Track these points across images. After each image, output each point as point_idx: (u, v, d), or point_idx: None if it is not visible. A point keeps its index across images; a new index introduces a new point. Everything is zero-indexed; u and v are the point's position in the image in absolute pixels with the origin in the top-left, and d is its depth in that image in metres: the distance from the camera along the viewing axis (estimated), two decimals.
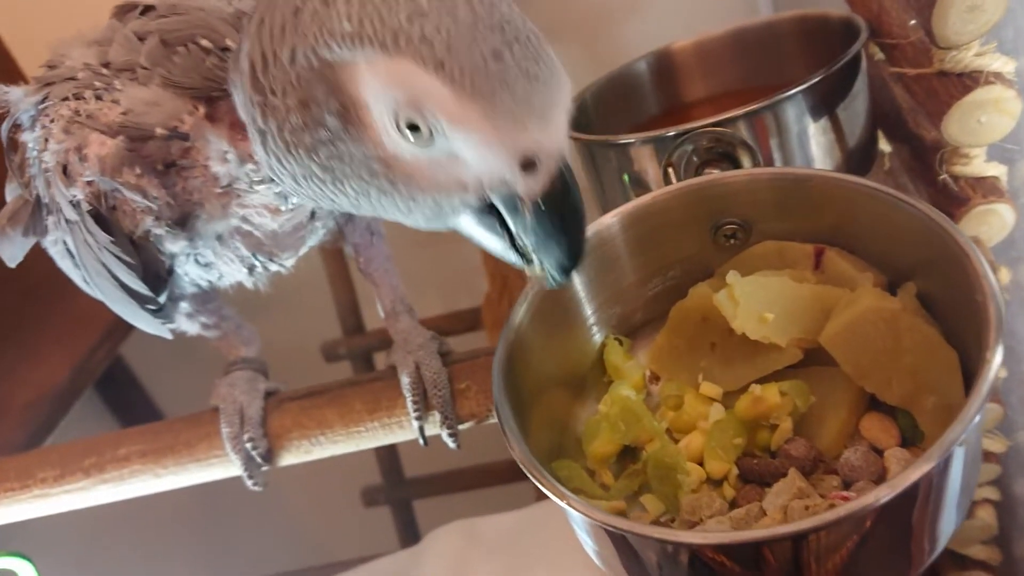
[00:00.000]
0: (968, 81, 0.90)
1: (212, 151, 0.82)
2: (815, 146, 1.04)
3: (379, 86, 0.63)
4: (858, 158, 1.10)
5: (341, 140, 0.67)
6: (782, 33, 1.25)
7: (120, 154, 0.81)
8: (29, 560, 1.27)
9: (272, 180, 0.81)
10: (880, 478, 0.72)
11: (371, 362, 2.42)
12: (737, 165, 0.99)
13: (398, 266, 1.13)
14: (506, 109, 0.61)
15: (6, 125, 0.91)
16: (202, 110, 0.80)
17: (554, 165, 0.66)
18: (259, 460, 1.04)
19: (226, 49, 0.80)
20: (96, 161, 0.81)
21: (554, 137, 0.65)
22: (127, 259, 0.85)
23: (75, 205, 0.84)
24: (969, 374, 0.70)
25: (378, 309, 1.12)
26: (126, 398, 2.50)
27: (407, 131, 0.64)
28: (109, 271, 0.86)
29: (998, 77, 0.89)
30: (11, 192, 0.99)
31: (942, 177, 0.99)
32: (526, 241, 0.70)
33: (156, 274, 0.89)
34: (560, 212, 0.68)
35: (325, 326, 2.42)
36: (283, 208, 0.87)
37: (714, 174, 0.91)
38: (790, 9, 1.31)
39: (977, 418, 0.60)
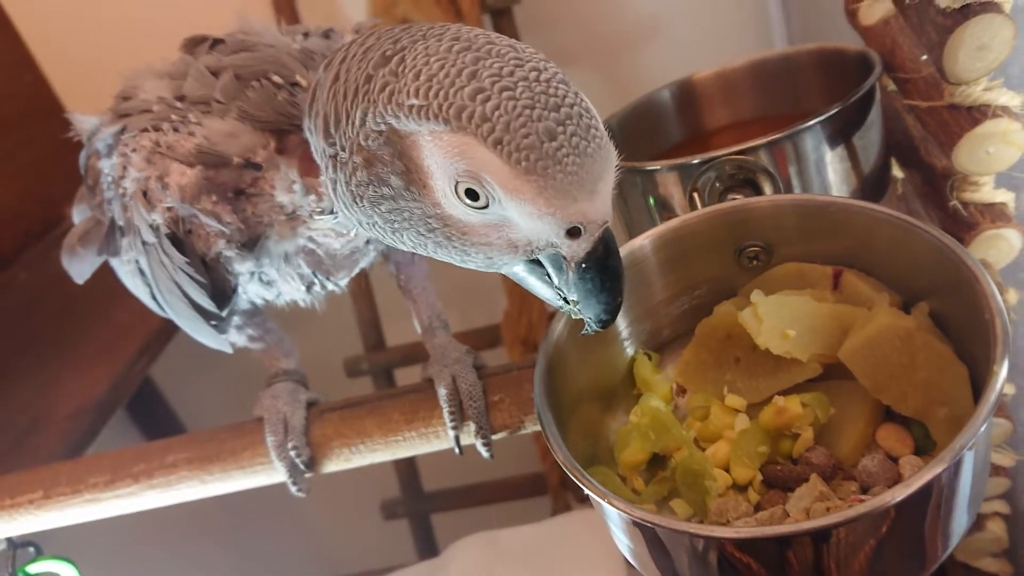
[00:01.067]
0: (977, 114, 0.95)
1: (280, 181, 0.88)
2: (832, 173, 1.10)
3: (441, 156, 0.68)
4: (873, 184, 1.15)
5: (403, 198, 0.73)
6: (800, 65, 1.31)
7: (199, 183, 0.87)
8: (73, 564, 1.32)
9: (327, 212, 0.88)
10: (895, 484, 0.76)
11: (392, 378, 2.46)
12: (758, 191, 1.04)
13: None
14: (557, 185, 0.66)
15: (84, 153, 0.98)
16: (273, 143, 0.87)
17: (598, 232, 0.71)
18: (302, 467, 1.09)
19: (296, 84, 0.86)
20: (177, 189, 0.88)
21: (599, 207, 0.70)
22: (199, 278, 0.91)
23: (154, 228, 0.90)
24: (978, 388, 0.75)
25: (415, 325, 1.17)
26: (153, 414, 2.55)
27: (465, 197, 0.70)
28: (181, 289, 0.93)
29: (1005, 111, 0.94)
30: (80, 214, 1.06)
31: (952, 203, 1.04)
32: (569, 295, 0.76)
33: (223, 292, 0.95)
34: (601, 274, 0.73)
35: (347, 342, 2.46)
36: (350, 231, 0.93)
37: (739, 200, 0.97)
38: (804, 42, 1.37)
39: (985, 426, 0.65)
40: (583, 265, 0.72)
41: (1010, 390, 1.19)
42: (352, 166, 0.75)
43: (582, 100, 0.69)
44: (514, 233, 0.72)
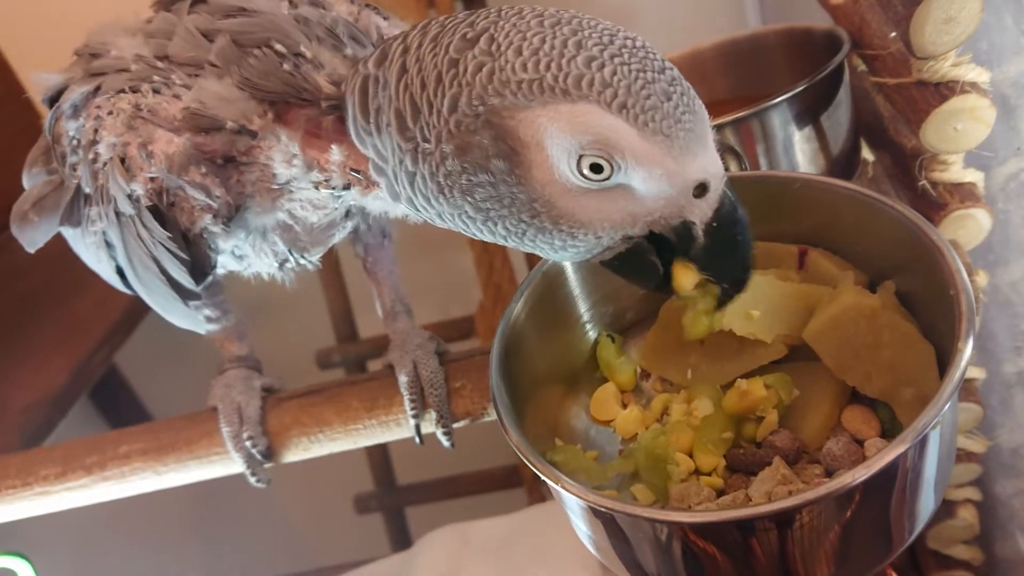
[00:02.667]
0: (945, 90, 0.94)
1: (278, 152, 0.84)
2: (800, 153, 1.08)
3: (560, 128, 0.66)
4: (842, 165, 1.14)
5: (505, 183, 0.70)
6: (769, 45, 1.29)
7: (187, 152, 0.83)
8: (27, 560, 1.28)
9: (337, 188, 0.85)
10: None
11: (365, 369, 2.45)
12: (725, 169, 1.02)
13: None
14: (682, 143, 0.66)
15: (52, 114, 0.93)
16: (270, 113, 0.82)
17: (721, 185, 0.71)
18: (260, 458, 1.06)
19: (299, 55, 0.82)
20: (164, 158, 0.83)
21: (716, 160, 0.70)
22: (180, 254, 0.87)
23: (133, 200, 0.85)
24: (945, 368, 0.73)
25: (377, 309, 1.14)
26: (118, 404, 2.51)
27: (586, 171, 0.68)
28: (159, 265, 0.88)
29: (973, 86, 0.93)
30: (31, 178, 1.00)
31: (921, 183, 1.03)
32: (701, 263, 0.74)
33: (202, 269, 0.91)
34: (734, 227, 0.72)
35: (319, 334, 2.45)
36: (330, 204, 0.90)
37: None
38: (777, 22, 1.36)
39: (950, 404, 0.63)
40: (714, 224, 0.71)
41: (980, 375, 1.18)
42: (440, 155, 0.72)
43: (671, 64, 0.69)
44: (634, 203, 0.70)
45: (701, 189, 0.70)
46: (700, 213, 0.71)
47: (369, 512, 2.52)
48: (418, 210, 0.80)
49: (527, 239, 0.75)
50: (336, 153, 0.82)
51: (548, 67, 0.66)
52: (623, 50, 0.67)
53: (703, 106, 0.69)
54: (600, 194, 0.70)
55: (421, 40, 0.73)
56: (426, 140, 0.72)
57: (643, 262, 0.75)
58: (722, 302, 0.76)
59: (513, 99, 0.67)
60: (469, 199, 0.73)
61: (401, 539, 2.53)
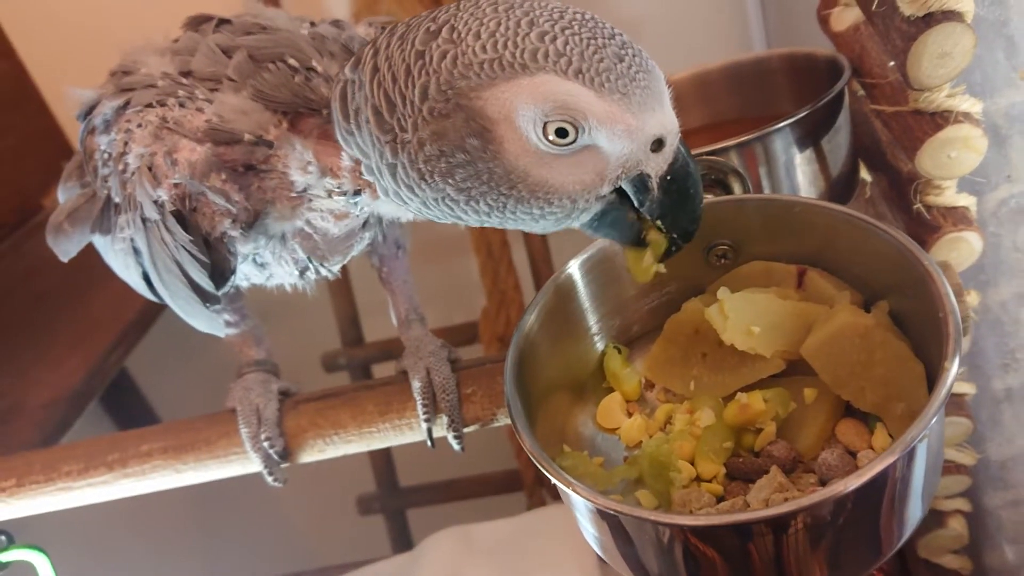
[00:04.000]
0: (940, 120, 0.98)
1: (294, 160, 0.89)
2: (801, 175, 1.12)
3: (525, 101, 0.72)
4: (841, 187, 1.18)
5: (481, 159, 0.75)
6: (772, 68, 1.33)
7: (209, 160, 0.88)
8: (44, 552, 1.31)
9: (348, 193, 0.89)
10: None
11: (370, 373, 2.46)
12: (728, 191, 1.07)
13: None
14: (638, 99, 0.72)
15: (83, 128, 0.98)
16: (285, 123, 0.88)
17: (676, 141, 0.76)
18: (276, 458, 1.10)
19: (311, 69, 0.88)
20: (187, 165, 0.88)
21: (672, 117, 0.76)
22: (201, 257, 0.91)
23: (159, 205, 0.90)
24: (934, 384, 0.77)
25: (391, 317, 1.18)
26: (127, 407, 2.53)
27: (553, 136, 0.73)
28: (181, 268, 0.93)
29: (967, 117, 0.97)
30: (67, 191, 1.05)
31: (916, 206, 1.07)
32: (654, 214, 0.80)
33: (222, 273, 0.95)
34: (686, 180, 0.79)
35: (325, 337, 2.47)
36: (351, 212, 0.94)
37: (707, 199, 0.99)
38: (781, 46, 1.40)
39: (936, 419, 0.68)
40: (668, 177, 0.77)
41: (971, 390, 1.22)
42: (418, 142, 0.76)
43: (622, 32, 0.75)
44: (602, 162, 0.76)
45: (658, 144, 0.75)
46: (656, 166, 0.77)
47: (371, 513, 2.53)
48: (405, 202, 0.84)
49: (508, 212, 0.79)
50: (347, 159, 0.86)
51: (506, 46, 0.71)
52: (573, 23, 0.72)
53: (657, 67, 0.75)
54: (570, 158, 0.75)
55: (389, 40, 0.78)
56: (403, 130, 0.77)
57: (620, 219, 0.82)
58: (669, 252, 0.83)
59: (478, 79, 0.72)
60: (450, 181, 0.77)
61: (402, 540, 2.55)
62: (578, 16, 0.73)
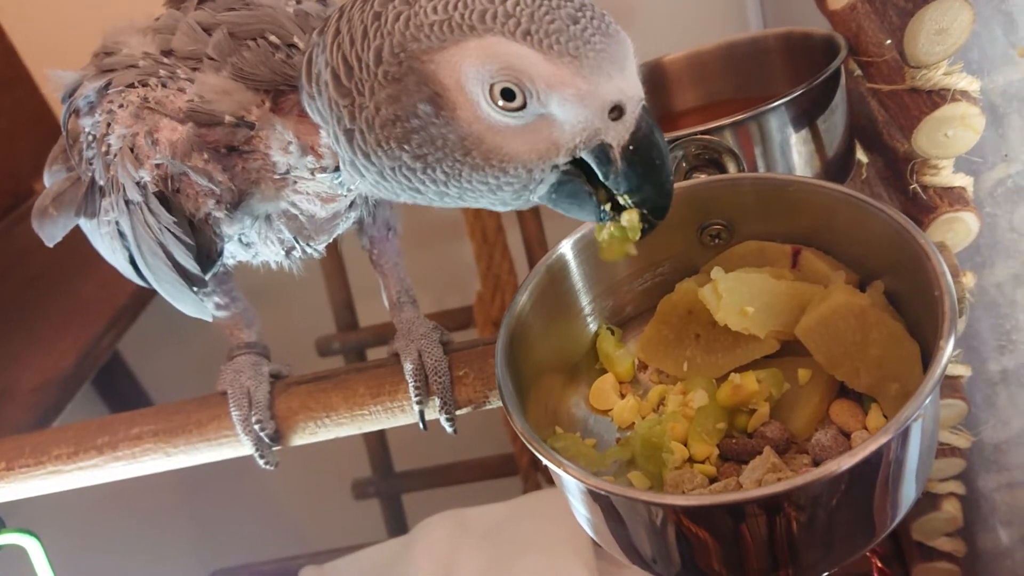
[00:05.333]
0: (936, 98, 0.97)
1: (275, 140, 0.87)
2: (796, 155, 1.11)
3: (471, 64, 0.69)
4: (836, 167, 1.17)
5: (434, 124, 0.73)
6: (768, 48, 1.32)
7: (190, 139, 0.86)
8: (36, 536, 1.31)
9: (329, 170, 0.87)
10: None
11: (364, 357, 2.46)
12: (723, 171, 1.06)
13: None
14: (591, 62, 0.68)
15: (66, 110, 0.96)
16: (268, 103, 0.86)
17: (638, 109, 0.72)
18: (268, 441, 1.09)
19: (292, 46, 0.86)
20: (168, 145, 0.86)
21: (634, 83, 0.72)
22: (186, 239, 0.90)
23: (141, 186, 0.88)
24: (929, 364, 0.77)
25: (383, 299, 1.17)
26: (120, 389, 2.54)
27: (502, 101, 0.70)
28: (165, 251, 0.91)
29: (964, 95, 0.96)
30: (52, 175, 1.04)
31: (913, 186, 1.06)
32: (620, 188, 0.75)
33: (208, 255, 0.94)
34: (651, 150, 0.74)
35: (320, 321, 2.47)
36: (339, 194, 0.92)
37: (701, 178, 0.98)
38: (778, 26, 1.39)
39: (931, 398, 0.67)
40: (631, 147, 0.73)
41: (966, 372, 1.22)
42: (375, 107, 0.75)
43: None
44: (556, 130, 0.72)
45: (618, 111, 0.71)
46: (616, 136, 0.73)
47: (367, 498, 2.54)
48: (362, 173, 0.82)
49: (464, 181, 0.76)
50: (324, 136, 0.85)
51: (456, 7, 0.69)
52: None
53: (621, 31, 0.71)
54: (524, 127, 0.72)
55: (352, 3, 0.77)
56: (360, 94, 0.75)
57: (579, 191, 0.77)
58: (644, 229, 0.78)
59: (428, 42, 0.70)
60: (405, 147, 0.75)
61: (397, 525, 2.55)
62: None
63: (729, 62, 1.35)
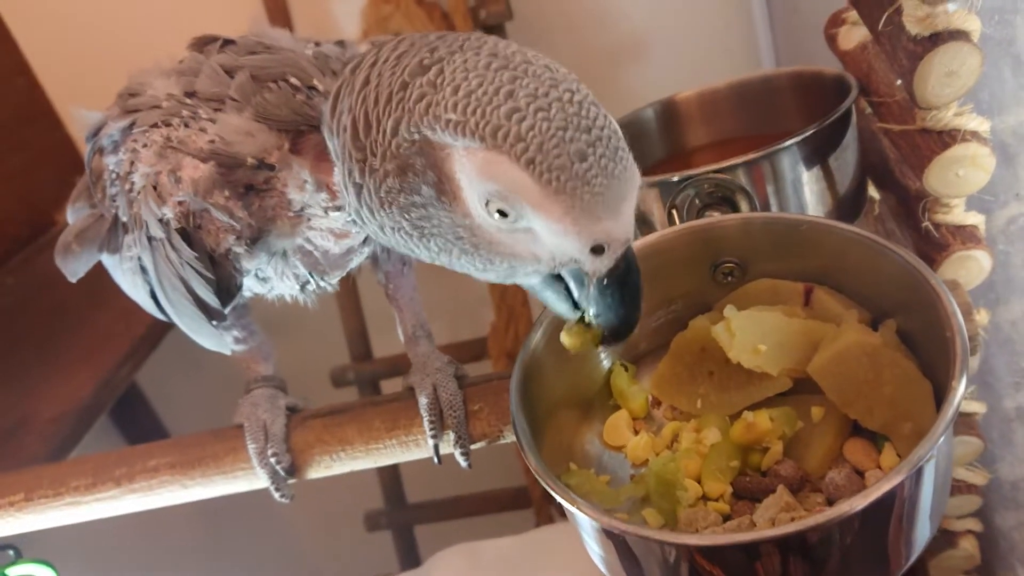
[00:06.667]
0: (947, 138, 0.98)
1: (292, 180, 0.89)
2: (808, 193, 1.12)
3: (474, 172, 0.70)
4: (848, 204, 1.18)
5: (433, 206, 0.75)
6: (779, 87, 1.34)
7: (212, 177, 0.88)
8: (52, 567, 1.32)
9: (342, 208, 0.89)
10: None
11: (378, 388, 2.47)
12: (736, 209, 1.07)
13: None
14: (584, 205, 0.68)
15: (90, 149, 0.99)
16: (287, 144, 0.88)
17: (620, 249, 0.73)
18: (283, 474, 1.10)
19: (312, 88, 0.88)
20: (190, 183, 0.89)
21: (623, 227, 0.72)
22: (206, 274, 0.92)
23: (164, 223, 0.91)
24: (942, 404, 0.77)
25: (399, 333, 1.18)
26: (137, 420, 2.55)
27: (495, 214, 0.72)
28: (186, 286, 0.93)
29: (974, 135, 0.97)
30: (76, 212, 1.07)
31: (925, 224, 1.07)
32: (587, 309, 0.78)
33: (227, 289, 0.96)
34: (621, 289, 0.75)
35: (334, 352, 2.48)
36: (352, 232, 0.94)
37: (714, 217, 0.99)
38: (790, 64, 1.40)
39: (944, 438, 0.67)
40: (604, 281, 0.74)
41: (981, 409, 1.21)
42: (384, 172, 0.76)
43: (611, 122, 0.71)
44: (538, 247, 0.74)
45: (599, 249, 0.72)
46: (594, 268, 0.74)
47: (379, 529, 2.53)
48: (364, 222, 0.84)
49: (454, 258, 0.79)
50: (338, 175, 0.86)
51: (475, 112, 0.69)
52: (552, 104, 0.68)
53: (629, 169, 0.71)
54: (512, 233, 0.74)
55: (389, 55, 0.78)
56: (373, 155, 0.77)
57: (558, 294, 0.80)
58: (603, 344, 0.80)
59: (442, 135, 0.71)
60: (406, 216, 0.77)
61: (410, 557, 2.54)
62: (566, 95, 0.69)
63: (741, 100, 1.36)
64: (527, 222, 0.72)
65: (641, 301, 0.77)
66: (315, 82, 0.89)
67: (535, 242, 0.74)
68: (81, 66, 2.32)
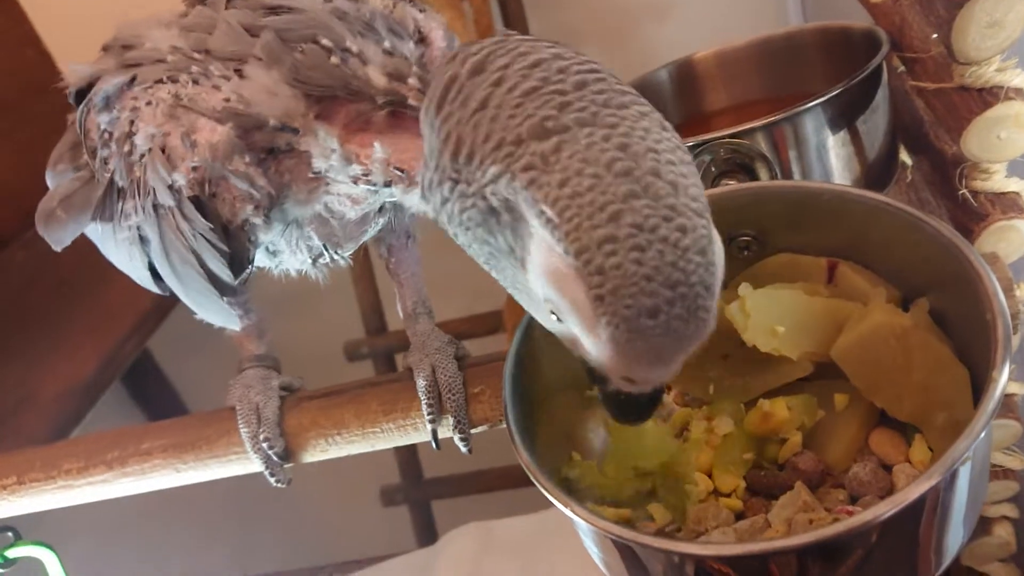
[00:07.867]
0: (988, 96, 0.91)
1: (317, 147, 0.83)
2: (834, 159, 1.05)
3: (546, 270, 0.65)
4: (878, 171, 1.10)
5: (504, 255, 0.70)
6: (804, 44, 1.25)
7: (231, 141, 0.82)
8: (52, 549, 1.30)
9: (376, 184, 0.84)
10: (888, 493, 0.72)
11: (392, 362, 2.46)
12: (754, 177, 1.00)
13: (423, 268, 1.15)
14: (633, 356, 0.63)
15: (82, 107, 0.92)
16: (315, 109, 0.81)
17: (648, 387, 0.69)
18: (276, 459, 1.06)
19: (345, 50, 0.81)
20: (207, 147, 0.82)
21: (664, 376, 0.67)
22: (221, 246, 0.86)
23: (175, 190, 0.85)
24: (980, 392, 0.70)
25: (398, 310, 1.14)
26: (152, 391, 2.55)
27: (550, 310, 0.68)
28: (198, 258, 0.88)
29: (1018, 93, 0.89)
30: (57, 177, 1.00)
31: (962, 192, 0.99)
32: (599, 397, 0.74)
33: (241, 262, 0.90)
34: (635, 409, 0.72)
35: (348, 326, 2.46)
36: (371, 198, 0.89)
37: (730, 185, 0.92)
38: (819, 20, 1.32)
39: (983, 435, 0.60)
40: (622, 397, 0.70)
41: (1020, 390, 1.14)
42: (471, 203, 0.71)
43: (711, 266, 0.63)
44: (577, 344, 0.70)
45: (630, 381, 0.68)
46: (619, 385, 0.69)
47: (395, 505, 2.54)
48: (435, 218, 0.79)
49: (509, 287, 0.75)
50: (379, 151, 0.81)
51: (570, 220, 0.62)
52: (653, 245, 0.61)
53: (702, 328, 0.64)
54: (560, 322, 0.69)
55: (517, 81, 0.69)
56: (467, 184, 0.70)
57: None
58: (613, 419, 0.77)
59: (533, 218, 0.65)
60: (475, 244, 0.73)
61: (427, 532, 2.54)
62: (671, 236, 0.61)
63: (762, 59, 1.28)
64: (576, 332, 0.67)
65: (649, 416, 0.74)
66: (348, 43, 0.81)
67: (574, 337, 0.69)
68: (91, 38, 2.27)
